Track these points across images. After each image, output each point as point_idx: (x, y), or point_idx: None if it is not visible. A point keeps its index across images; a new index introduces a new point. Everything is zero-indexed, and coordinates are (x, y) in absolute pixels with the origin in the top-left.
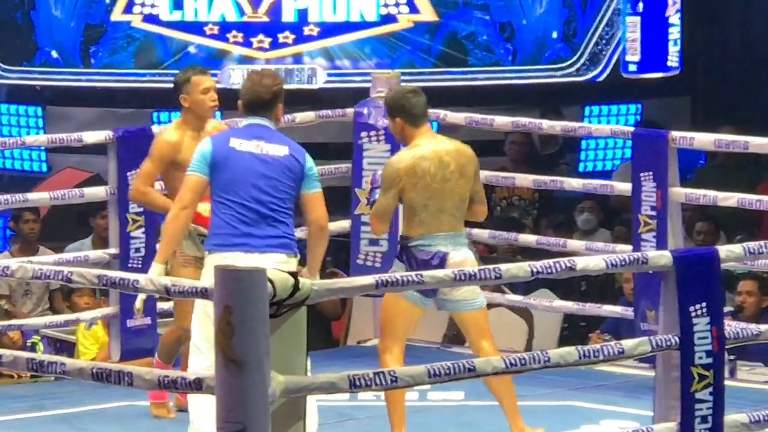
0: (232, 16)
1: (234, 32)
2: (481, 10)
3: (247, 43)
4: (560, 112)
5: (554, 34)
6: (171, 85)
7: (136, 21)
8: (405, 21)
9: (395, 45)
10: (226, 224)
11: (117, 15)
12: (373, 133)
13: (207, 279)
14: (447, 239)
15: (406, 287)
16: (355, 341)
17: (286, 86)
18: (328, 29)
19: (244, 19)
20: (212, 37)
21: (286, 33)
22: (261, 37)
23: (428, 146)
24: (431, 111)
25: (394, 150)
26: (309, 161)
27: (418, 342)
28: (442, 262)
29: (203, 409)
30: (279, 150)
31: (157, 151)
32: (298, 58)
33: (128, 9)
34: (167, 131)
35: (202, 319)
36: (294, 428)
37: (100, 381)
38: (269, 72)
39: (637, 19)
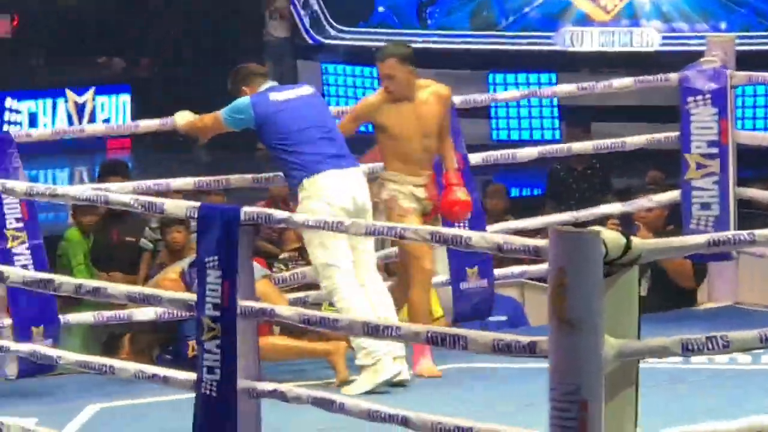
0: None
1: None
2: None
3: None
4: None
5: None
6: (506, 47)
7: None
8: None
9: (732, 8)
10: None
11: None
12: (699, 97)
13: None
14: None
15: (738, 246)
16: None
17: (625, 48)
18: None
19: None
20: None
21: None
22: None
23: None
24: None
25: (721, 114)
26: None
27: (752, 306)
28: None
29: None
30: None
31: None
32: (635, 21)
33: None
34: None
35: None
36: (626, 392)
37: (434, 344)
38: None
39: None
